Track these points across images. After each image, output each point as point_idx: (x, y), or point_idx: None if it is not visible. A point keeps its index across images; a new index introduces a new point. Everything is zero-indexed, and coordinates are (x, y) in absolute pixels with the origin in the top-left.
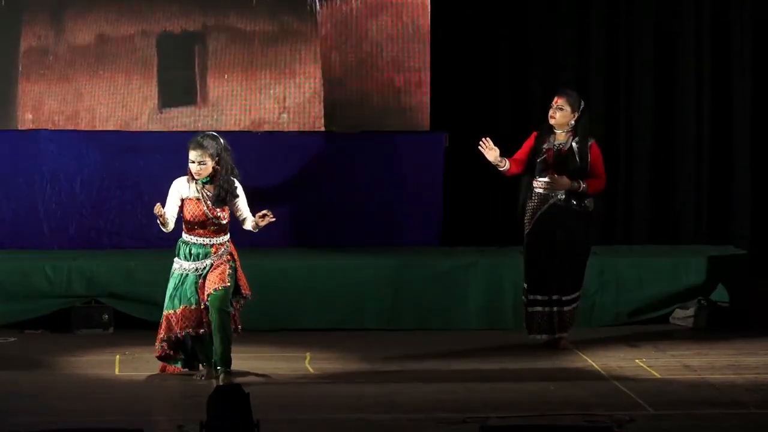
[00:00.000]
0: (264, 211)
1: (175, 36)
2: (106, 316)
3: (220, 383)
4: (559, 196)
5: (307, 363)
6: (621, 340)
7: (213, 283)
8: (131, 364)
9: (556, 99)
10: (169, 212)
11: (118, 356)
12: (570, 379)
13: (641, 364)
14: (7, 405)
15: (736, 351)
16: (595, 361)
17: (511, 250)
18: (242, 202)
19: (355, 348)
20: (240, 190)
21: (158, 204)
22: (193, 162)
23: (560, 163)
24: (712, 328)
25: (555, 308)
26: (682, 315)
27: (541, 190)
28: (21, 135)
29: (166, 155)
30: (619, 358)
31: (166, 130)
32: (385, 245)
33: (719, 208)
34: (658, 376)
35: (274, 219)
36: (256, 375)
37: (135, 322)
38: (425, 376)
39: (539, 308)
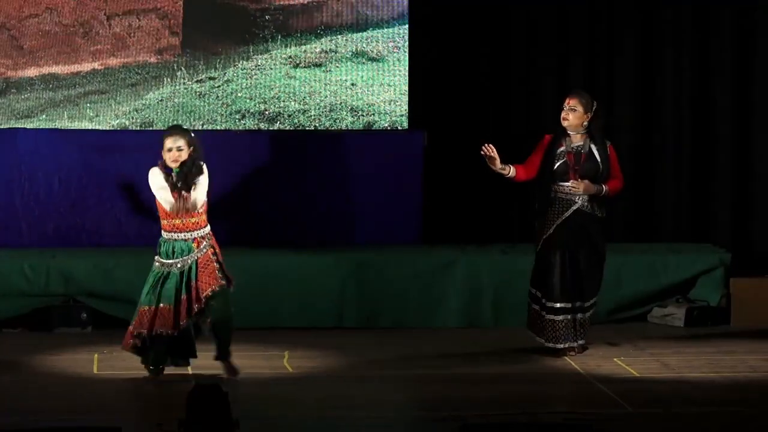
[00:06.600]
0: None
1: None
2: (85, 314)
3: (225, 373)
4: (582, 202)
5: (286, 362)
6: (599, 339)
7: (209, 285)
8: (109, 363)
9: (568, 100)
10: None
11: (96, 355)
12: (549, 377)
13: (620, 362)
14: None
15: (715, 349)
16: (573, 359)
17: (492, 248)
18: (204, 180)
19: (334, 347)
20: (205, 169)
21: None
22: (171, 149)
23: (582, 166)
24: (690, 327)
25: (578, 315)
26: (661, 314)
27: (563, 195)
28: None
29: (144, 154)
30: (597, 356)
31: (144, 129)
32: (364, 244)
33: (698, 205)
34: (637, 375)
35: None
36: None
37: (113, 321)
38: (405, 374)
39: (562, 316)
